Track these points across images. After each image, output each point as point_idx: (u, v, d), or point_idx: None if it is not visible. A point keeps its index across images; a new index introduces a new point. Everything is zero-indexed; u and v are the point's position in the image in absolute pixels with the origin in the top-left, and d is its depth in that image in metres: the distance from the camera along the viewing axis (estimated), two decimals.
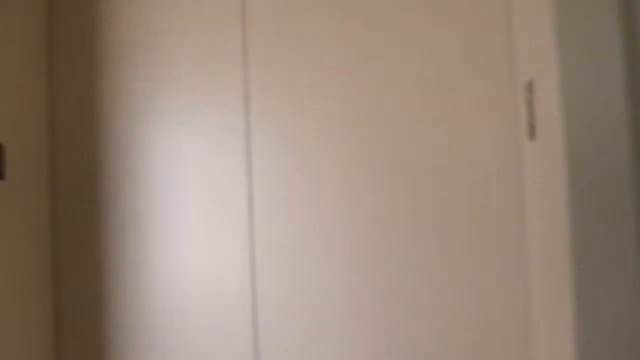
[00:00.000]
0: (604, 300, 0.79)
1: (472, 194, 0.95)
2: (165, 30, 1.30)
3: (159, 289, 1.25)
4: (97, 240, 1.33)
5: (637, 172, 0.82)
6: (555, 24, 0.82)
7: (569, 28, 0.83)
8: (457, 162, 0.97)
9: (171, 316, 1.23)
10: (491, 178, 0.93)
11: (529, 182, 0.87)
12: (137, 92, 1.32)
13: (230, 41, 1.21)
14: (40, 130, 1.34)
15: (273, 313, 1.12)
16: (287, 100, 1.15)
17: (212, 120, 1.22)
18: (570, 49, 0.82)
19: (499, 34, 0.93)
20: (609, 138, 0.81)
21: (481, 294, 0.92)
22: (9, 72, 1.27)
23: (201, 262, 1.21)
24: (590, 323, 0.78)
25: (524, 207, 0.88)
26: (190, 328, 1.21)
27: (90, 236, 1.34)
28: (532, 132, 0.87)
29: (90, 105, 1.36)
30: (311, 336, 1.08)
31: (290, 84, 1.15)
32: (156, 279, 1.26)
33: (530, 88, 0.87)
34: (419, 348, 0.97)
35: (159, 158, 1.27)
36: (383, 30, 1.05)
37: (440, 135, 0.99)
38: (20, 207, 1.29)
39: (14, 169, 1.26)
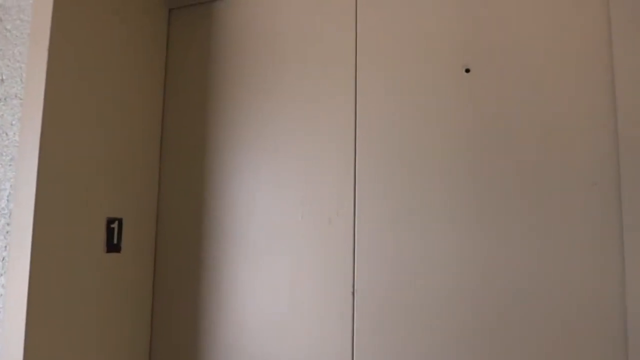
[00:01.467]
0: None
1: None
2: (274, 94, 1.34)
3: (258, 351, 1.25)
4: (193, 304, 1.35)
5: None
6: None
7: None
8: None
9: None
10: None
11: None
12: (243, 167, 1.38)
13: (342, 77, 1.26)
14: (150, 203, 1.39)
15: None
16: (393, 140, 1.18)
17: (321, 168, 1.24)
18: None
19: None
20: None
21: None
22: (134, 159, 1.36)
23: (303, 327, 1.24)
24: None
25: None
26: None
27: (187, 303, 1.35)
28: None
29: (197, 178, 1.41)
30: None
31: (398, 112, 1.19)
32: (253, 339, 1.25)
33: None
34: None
35: (262, 220, 1.29)
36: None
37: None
38: (130, 277, 1.31)
39: (128, 241, 1.29)
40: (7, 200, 1.12)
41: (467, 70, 1.14)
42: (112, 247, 1.22)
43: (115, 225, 1.23)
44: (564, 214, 1.02)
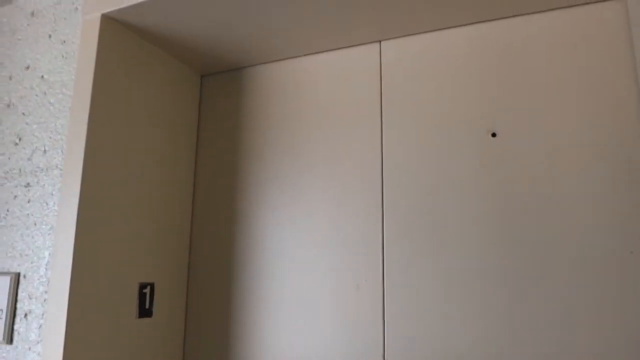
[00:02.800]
0: None
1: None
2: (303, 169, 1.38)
3: None
4: None
5: None
6: None
7: None
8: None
9: None
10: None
11: None
12: (271, 232, 1.40)
13: (368, 143, 1.31)
14: (181, 267, 1.42)
15: None
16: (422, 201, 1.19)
17: (347, 225, 1.27)
18: None
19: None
20: None
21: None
22: (167, 224, 1.41)
23: None
24: None
25: None
26: None
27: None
28: None
29: (226, 244, 1.42)
30: None
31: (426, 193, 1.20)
32: None
33: None
34: None
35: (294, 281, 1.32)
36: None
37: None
38: (162, 341, 1.32)
39: (159, 305, 1.31)
40: (46, 269, 1.16)
41: (494, 135, 1.14)
42: (144, 312, 1.24)
43: (147, 290, 1.25)
44: (600, 283, 0.99)
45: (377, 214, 1.22)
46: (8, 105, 1.37)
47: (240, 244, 1.38)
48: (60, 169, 1.21)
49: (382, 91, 1.29)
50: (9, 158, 1.31)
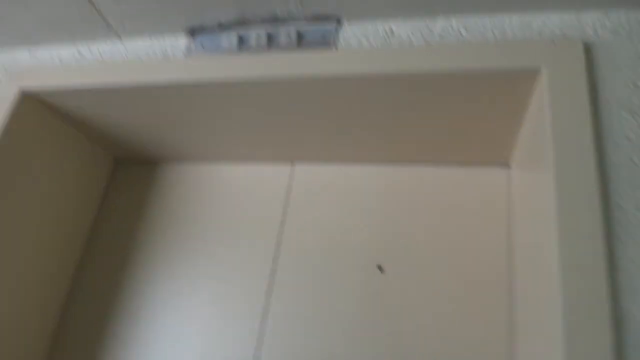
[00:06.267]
0: None
1: None
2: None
3: None
4: None
5: None
6: None
7: None
8: None
9: None
10: None
11: None
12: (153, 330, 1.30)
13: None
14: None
15: None
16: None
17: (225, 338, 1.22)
18: None
19: None
20: None
21: None
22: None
23: None
24: None
25: None
26: None
27: None
28: None
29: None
30: None
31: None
32: None
33: None
34: None
35: None
36: None
37: None
38: None
39: None
40: None
41: (381, 269, 1.18)
42: None
43: None
44: None
45: (254, 339, 1.19)
46: None
47: (119, 318, 1.30)
48: None
49: (287, 212, 1.32)
50: None
